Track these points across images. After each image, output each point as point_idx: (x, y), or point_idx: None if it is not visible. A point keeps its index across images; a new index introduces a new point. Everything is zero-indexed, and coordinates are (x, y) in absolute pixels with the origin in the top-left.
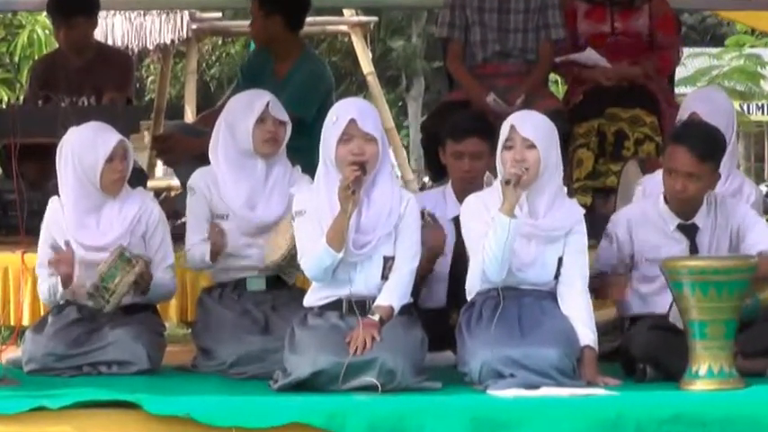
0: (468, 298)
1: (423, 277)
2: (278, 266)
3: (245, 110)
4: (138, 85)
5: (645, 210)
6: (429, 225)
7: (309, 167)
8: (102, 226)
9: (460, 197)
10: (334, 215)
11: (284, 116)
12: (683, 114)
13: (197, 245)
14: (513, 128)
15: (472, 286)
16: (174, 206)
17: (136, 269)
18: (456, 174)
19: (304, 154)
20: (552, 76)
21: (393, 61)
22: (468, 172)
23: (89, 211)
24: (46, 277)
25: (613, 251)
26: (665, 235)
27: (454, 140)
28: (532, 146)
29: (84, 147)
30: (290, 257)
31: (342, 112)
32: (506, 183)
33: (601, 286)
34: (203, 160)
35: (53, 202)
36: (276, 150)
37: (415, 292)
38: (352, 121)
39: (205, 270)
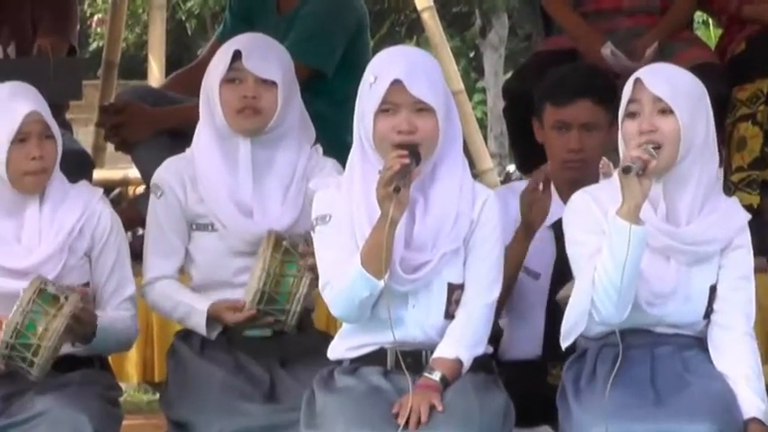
0: (564, 342)
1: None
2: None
3: (214, 65)
4: (79, 28)
5: None
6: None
7: (335, 148)
8: (27, 239)
9: (564, 194)
10: (374, 223)
11: (271, 73)
12: None
13: (167, 279)
14: (639, 83)
15: (573, 324)
16: (134, 209)
17: (65, 309)
18: (558, 155)
19: (325, 126)
20: (699, 15)
21: None
22: (577, 152)
23: (4, 217)
24: None
25: None
26: None
27: (556, 104)
28: (668, 110)
29: None
30: (270, 296)
31: (382, 70)
32: (624, 171)
33: None
34: (176, 143)
35: None
36: (259, 125)
37: (496, 336)
38: (397, 83)
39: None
